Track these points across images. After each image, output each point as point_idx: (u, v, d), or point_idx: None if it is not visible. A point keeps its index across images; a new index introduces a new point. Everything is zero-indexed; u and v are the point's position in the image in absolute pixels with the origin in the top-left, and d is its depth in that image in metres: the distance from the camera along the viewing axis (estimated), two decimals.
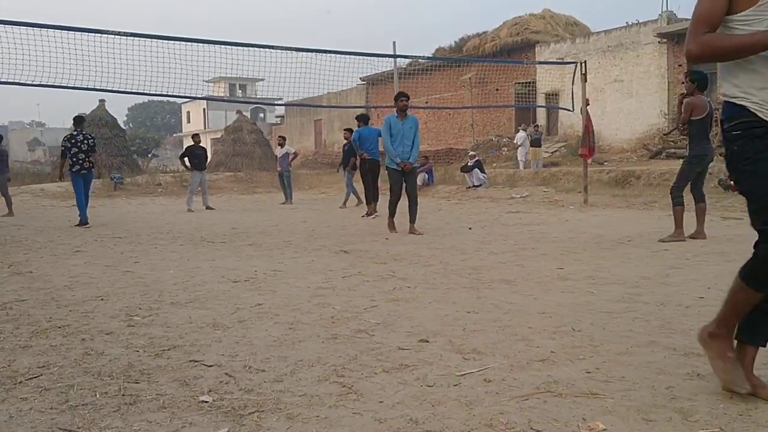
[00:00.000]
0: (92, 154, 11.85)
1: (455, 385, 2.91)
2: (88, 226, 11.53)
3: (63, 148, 11.83)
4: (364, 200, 13.83)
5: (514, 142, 24.21)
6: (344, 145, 15.77)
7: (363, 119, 13.55)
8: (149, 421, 2.57)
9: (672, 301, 4.56)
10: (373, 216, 12.44)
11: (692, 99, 7.55)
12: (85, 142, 11.76)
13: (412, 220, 9.47)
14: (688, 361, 3.19)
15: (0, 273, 6.39)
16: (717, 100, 19.70)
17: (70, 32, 10.73)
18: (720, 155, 15.80)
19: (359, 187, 14.73)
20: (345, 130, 16.00)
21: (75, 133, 11.86)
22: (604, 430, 2.38)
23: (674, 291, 4.90)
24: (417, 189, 9.88)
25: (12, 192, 20.97)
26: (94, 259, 7.37)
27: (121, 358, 3.43)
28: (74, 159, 11.68)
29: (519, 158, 23.17)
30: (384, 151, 9.96)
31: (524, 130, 23.82)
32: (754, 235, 2.59)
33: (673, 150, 20.11)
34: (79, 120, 12.19)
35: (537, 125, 25.36)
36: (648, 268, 5.92)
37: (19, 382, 3.05)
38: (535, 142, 22.99)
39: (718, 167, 14.07)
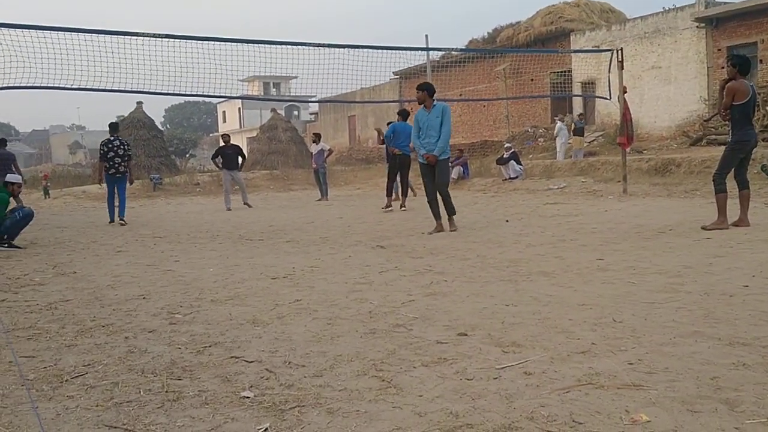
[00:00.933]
0: (127, 159, 12.63)
1: (495, 379, 2.90)
2: (112, 223, 12.40)
3: (101, 153, 12.64)
4: (401, 193, 13.83)
5: (553, 133, 23.87)
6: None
7: (403, 114, 13.60)
8: (192, 417, 2.60)
9: (715, 290, 4.48)
10: (402, 209, 12.71)
11: (734, 83, 7.36)
12: (122, 147, 12.53)
13: (447, 213, 9.01)
14: (733, 351, 3.12)
15: (45, 274, 6.54)
16: (759, 84, 19.31)
17: (106, 36, 10.92)
18: (763, 140, 15.48)
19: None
20: (389, 124, 16.04)
21: (112, 138, 12.61)
22: (648, 421, 2.35)
23: (718, 280, 4.81)
24: (446, 182, 9.18)
25: (54, 194, 21.50)
26: (135, 258, 7.49)
27: (163, 355, 3.48)
28: (110, 163, 12.44)
29: (557, 149, 22.85)
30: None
31: (561, 120, 23.49)
32: None
33: (714, 136, 19.71)
34: (114, 127, 13.03)
35: (581, 114, 25.05)
36: (690, 257, 5.81)
37: (65, 381, 3.11)
38: (578, 131, 22.60)
39: (761, 153, 13.78)
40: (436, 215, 8.93)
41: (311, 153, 18.75)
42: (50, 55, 10.58)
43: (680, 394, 2.59)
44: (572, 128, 22.79)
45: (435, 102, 8.95)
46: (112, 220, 12.47)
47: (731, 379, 2.75)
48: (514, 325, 3.81)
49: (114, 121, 13.61)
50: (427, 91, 8.92)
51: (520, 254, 6.57)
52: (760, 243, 6.37)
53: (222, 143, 16.61)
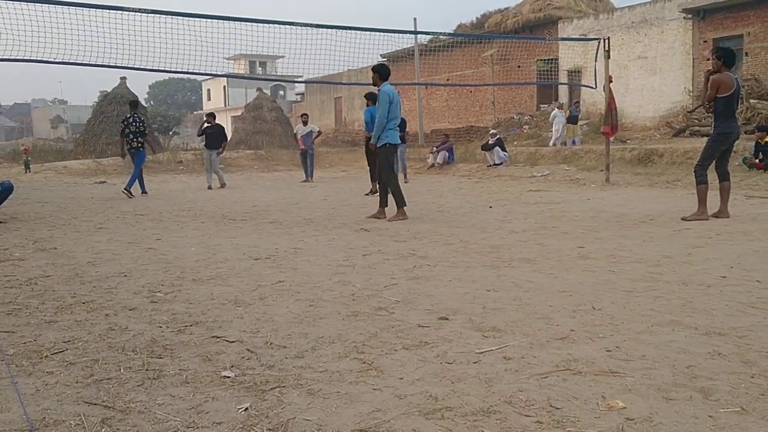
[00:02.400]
0: (141, 135, 13.78)
1: (475, 363, 2.93)
2: (145, 194, 13.75)
3: (120, 129, 14.11)
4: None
5: (549, 120, 23.73)
6: None
7: (372, 98, 13.34)
8: (172, 396, 2.61)
9: (694, 280, 4.53)
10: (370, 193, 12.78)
11: (719, 76, 7.40)
12: (134, 123, 13.68)
13: (395, 203, 8.58)
14: (709, 340, 3.17)
15: (25, 249, 6.49)
16: (743, 77, 19.45)
17: (91, 9, 10.76)
18: (745, 133, 15.63)
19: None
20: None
21: (128, 116, 13.91)
22: (624, 408, 2.39)
23: (696, 270, 4.87)
24: (386, 171, 8.62)
25: (35, 169, 21.26)
26: (116, 236, 7.45)
27: (144, 333, 3.48)
28: (127, 138, 13.73)
29: (552, 135, 22.67)
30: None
31: (559, 107, 23.27)
32: None
33: (697, 128, 19.85)
34: (132, 104, 14.73)
35: (577, 101, 24.97)
36: (670, 247, 5.88)
37: (45, 356, 3.11)
38: (573, 119, 22.46)
39: (742, 145, 13.92)
40: (382, 202, 8.76)
41: (297, 134, 18.64)
42: (33, 28, 10.43)
43: (656, 382, 2.64)
44: (567, 115, 22.69)
45: (383, 86, 8.46)
46: (144, 191, 13.82)
47: (707, 368, 2.79)
48: (494, 310, 3.84)
49: (133, 99, 15.48)
50: (378, 73, 8.49)
51: (503, 240, 6.61)
52: (739, 235, 6.45)
53: (206, 122, 16.50)
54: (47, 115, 74.98)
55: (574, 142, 21.63)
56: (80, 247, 6.62)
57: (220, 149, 16.24)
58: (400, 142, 9.03)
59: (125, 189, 13.15)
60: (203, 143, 16.28)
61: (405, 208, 8.57)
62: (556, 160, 17.93)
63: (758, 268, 4.88)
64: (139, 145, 13.68)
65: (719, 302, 3.90)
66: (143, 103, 35.71)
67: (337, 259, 5.71)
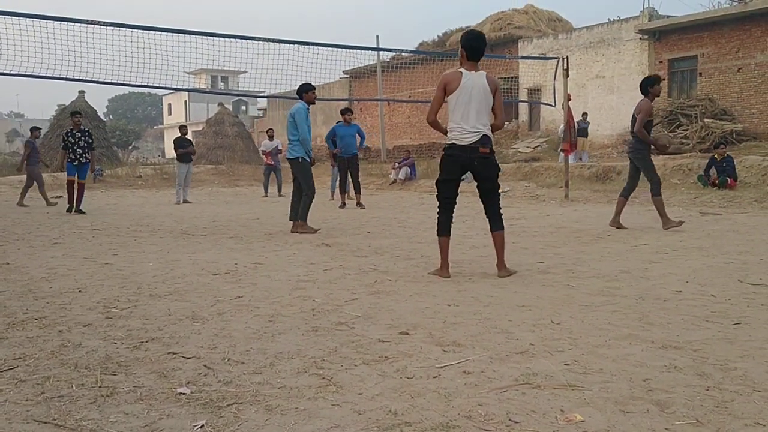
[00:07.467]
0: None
1: (435, 377, 2.92)
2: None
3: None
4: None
5: (558, 135, 23.37)
6: None
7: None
8: (126, 413, 2.54)
9: (650, 294, 4.60)
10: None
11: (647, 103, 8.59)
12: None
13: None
14: (665, 353, 3.21)
15: None
16: (697, 97, 19.90)
17: (49, 21, 10.59)
18: (700, 151, 16.02)
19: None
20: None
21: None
22: (582, 421, 2.40)
23: (653, 285, 4.94)
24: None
25: None
26: (72, 251, 7.29)
27: (98, 350, 3.40)
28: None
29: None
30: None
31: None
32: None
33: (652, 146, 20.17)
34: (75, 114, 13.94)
35: (585, 113, 23.53)
36: (627, 262, 5.96)
37: None
38: (582, 132, 20.93)
39: (697, 163, 14.23)
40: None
41: (263, 150, 18.66)
42: None
43: (613, 395, 2.66)
44: (576, 128, 21.89)
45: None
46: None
47: (663, 381, 2.82)
48: (455, 324, 3.84)
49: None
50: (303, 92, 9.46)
51: (464, 255, 6.64)
52: (694, 250, 6.58)
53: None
54: (3, 129, 73.35)
55: (581, 159, 20.16)
56: (34, 262, 6.46)
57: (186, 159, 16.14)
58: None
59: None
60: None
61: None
62: (517, 177, 18.12)
63: (713, 282, 4.97)
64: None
65: (675, 316, 3.96)
66: (102, 117, 35.17)
67: (298, 274, 5.66)
